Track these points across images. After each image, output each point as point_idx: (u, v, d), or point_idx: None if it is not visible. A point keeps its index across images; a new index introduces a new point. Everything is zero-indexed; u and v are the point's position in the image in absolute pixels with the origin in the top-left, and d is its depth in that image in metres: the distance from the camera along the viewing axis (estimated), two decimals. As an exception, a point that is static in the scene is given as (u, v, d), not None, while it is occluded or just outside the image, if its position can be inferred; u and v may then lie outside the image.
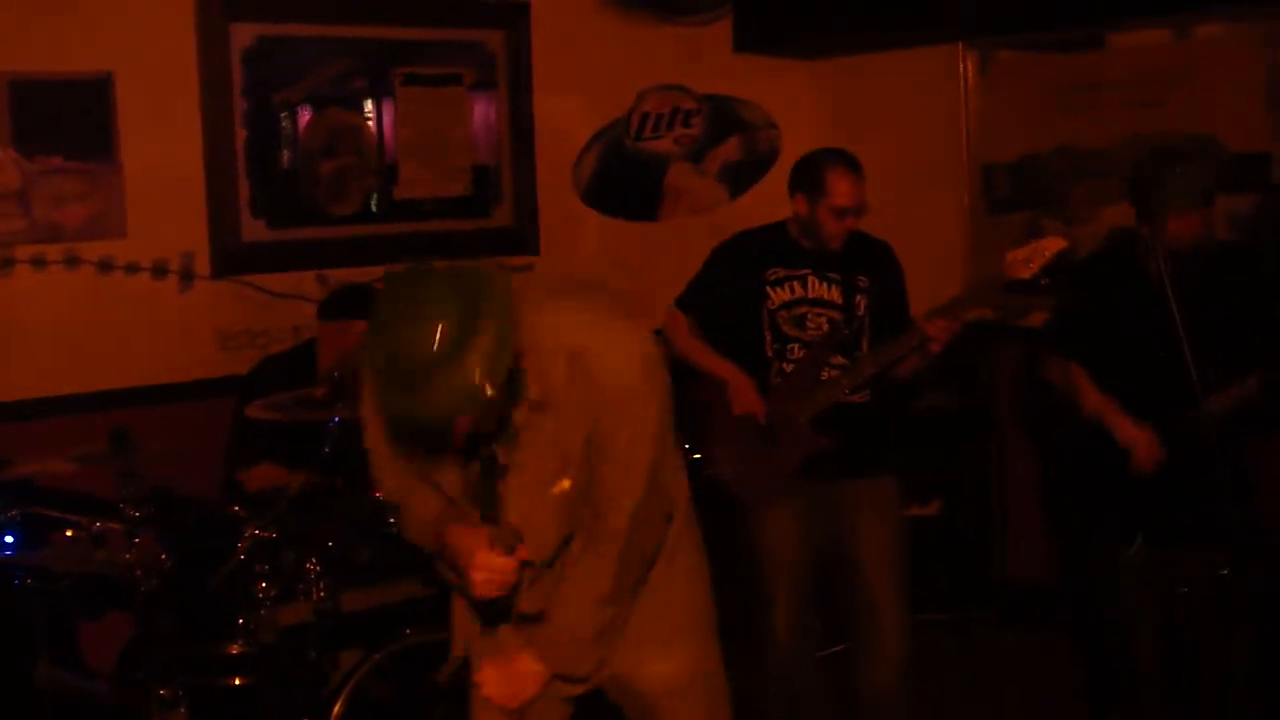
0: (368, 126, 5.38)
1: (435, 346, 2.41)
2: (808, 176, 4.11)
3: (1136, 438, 4.04)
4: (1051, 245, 3.92)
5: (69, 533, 3.90)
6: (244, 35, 5.05)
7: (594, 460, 2.81)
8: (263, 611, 3.72)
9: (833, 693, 4.51)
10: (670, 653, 3.08)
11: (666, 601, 3.05)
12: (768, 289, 4.17)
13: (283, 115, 5.18)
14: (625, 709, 3.17)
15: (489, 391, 2.45)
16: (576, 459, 2.80)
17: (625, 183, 6.07)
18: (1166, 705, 4.29)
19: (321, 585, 3.80)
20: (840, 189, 4.02)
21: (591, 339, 2.77)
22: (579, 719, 3.16)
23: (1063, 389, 4.23)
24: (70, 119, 4.75)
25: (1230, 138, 5.02)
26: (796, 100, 6.36)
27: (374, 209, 5.42)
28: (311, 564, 3.82)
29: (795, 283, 4.17)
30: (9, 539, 4.09)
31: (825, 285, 4.16)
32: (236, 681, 3.81)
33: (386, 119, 5.40)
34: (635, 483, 2.83)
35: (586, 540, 2.89)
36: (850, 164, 4.06)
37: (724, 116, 6.23)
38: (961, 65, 5.79)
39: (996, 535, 5.69)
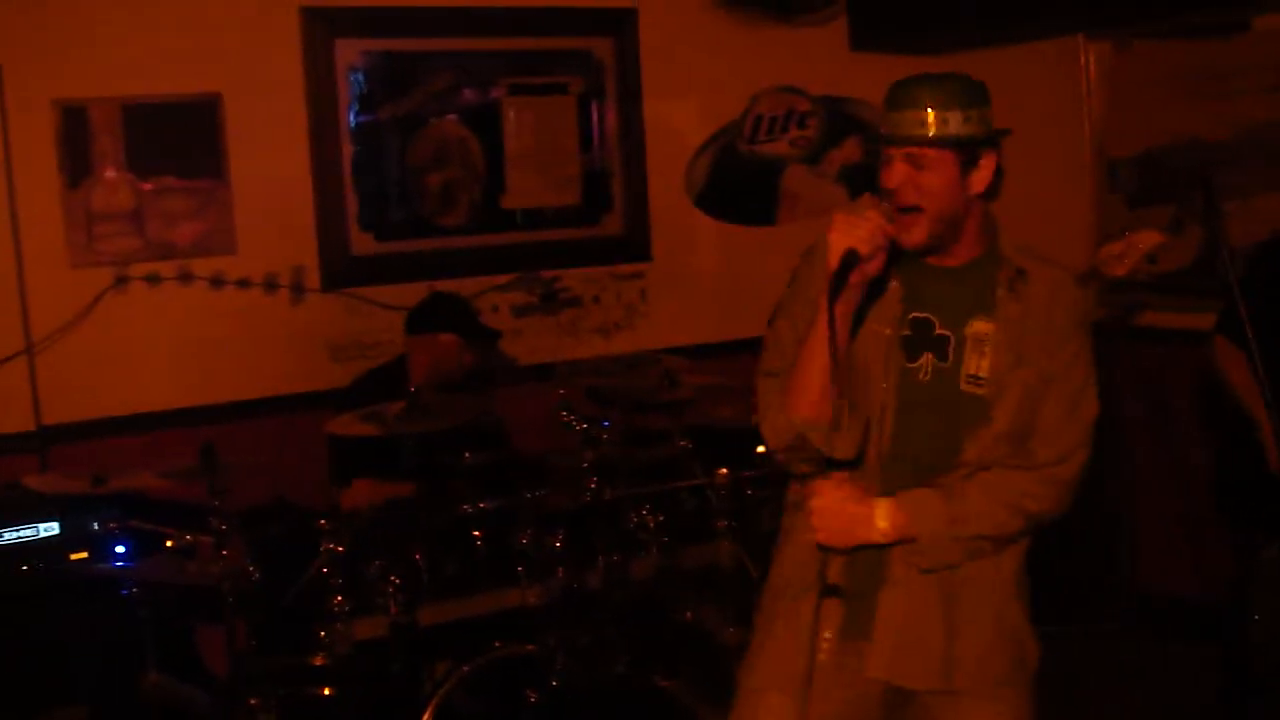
0: (475, 138, 5.40)
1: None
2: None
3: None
4: (1146, 240, 3.73)
5: (169, 543, 3.99)
6: (350, 51, 5.12)
7: (1037, 394, 2.69)
8: (338, 625, 3.75)
9: None
10: (1000, 693, 2.81)
11: (1007, 627, 2.82)
12: None
13: (390, 129, 5.23)
14: None
15: (981, 123, 2.58)
16: (1019, 377, 2.68)
17: (740, 187, 5.98)
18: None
19: (398, 600, 3.81)
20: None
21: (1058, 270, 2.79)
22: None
23: (1223, 377, 4.07)
24: (181, 139, 4.87)
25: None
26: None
27: (482, 220, 5.43)
28: (393, 578, 3.84)
29: None
30: (120, 549, 4.21)
31: None
32: (325, 691, 3.85)
33: (494, 130, 5.41)
34: (1081, 428, 2.72)
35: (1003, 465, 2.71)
36: None
37: (841, 117, 6.11)
38: (1083, 57, 5.59)
39: (1125, 543, 5.48)
